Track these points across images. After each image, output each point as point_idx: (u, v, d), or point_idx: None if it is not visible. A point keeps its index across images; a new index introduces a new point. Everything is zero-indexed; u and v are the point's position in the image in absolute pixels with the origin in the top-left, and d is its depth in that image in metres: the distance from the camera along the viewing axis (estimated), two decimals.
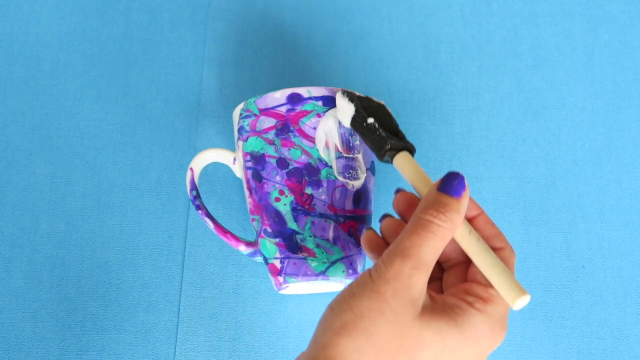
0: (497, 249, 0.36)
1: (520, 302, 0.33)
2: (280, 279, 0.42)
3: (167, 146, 0.51)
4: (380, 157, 0.39)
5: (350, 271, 0.42)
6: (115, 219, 0.50)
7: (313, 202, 0.42)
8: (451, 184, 0.35)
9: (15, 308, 0.48)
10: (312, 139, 0.43)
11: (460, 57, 0.54)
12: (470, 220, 0.37)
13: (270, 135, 0.43)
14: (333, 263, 0.42)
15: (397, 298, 0.32)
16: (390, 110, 0.41)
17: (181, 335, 0.47)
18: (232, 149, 0.51)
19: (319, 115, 0.43)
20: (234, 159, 0.45)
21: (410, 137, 0.52)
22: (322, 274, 0.42)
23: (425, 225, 0.34)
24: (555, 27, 0.55)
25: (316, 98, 0.43)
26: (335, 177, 0.42)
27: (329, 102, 0.43)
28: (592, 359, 0.47)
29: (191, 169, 0.45)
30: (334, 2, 0.55)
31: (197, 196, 0.44)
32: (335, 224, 0.42)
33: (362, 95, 0.42)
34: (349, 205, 0.43)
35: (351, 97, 0.41)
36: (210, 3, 0.55)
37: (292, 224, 0.42)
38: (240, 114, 0.44)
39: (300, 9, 0.55)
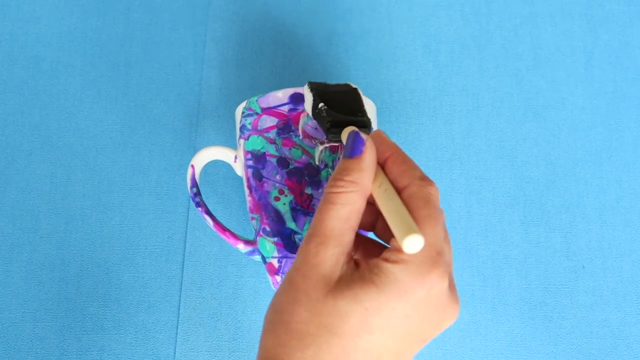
0: (403, 188, 0.33)
1: (411, 243, 0.29)
2: (278, 278, 0.42)
3: (167, 146, 0.51)
4: (327, 137, 0.38)
5: None
6: (115, 219, 0.50)
7: (312, 202, 0.42)
8: (349, 146, 0.33)
9: (15, 308, 0.48)
10: (313, 139, 0.43)
11: (460, 57, 0.54)
12: (383, 164, 0.34)
13: (272, 134, 0.43)
14: None
15: (307, 280, 0.31)
16: (361, 94, 0.40)
17: (181, 335, 0.47)
18: (233, 148, 0.51)
19: None
20: (235, 157, 0.45)
21: (410, 137, 0.52)
22: None
23: (325, 197, 0.32)
24: (555, 27, 0.55)
25: None
26: None
27: None
28: (592, 359, 0.47)
29: (192, 166, 0.45)
30: (334, 2, 0.55)
31: (198, 193, 0.44)
32: None
33: (339, 84, 0.41)
34: None
35: (312, 86, 0.40)
36: (210, 3, 0.55)
37: (290, 224, 0.42)
38: (243, 112, 0.44)
39: (300, 9, 0.55)
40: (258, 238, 0.43)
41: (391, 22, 0.55)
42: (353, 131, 0.33)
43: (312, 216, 0.42)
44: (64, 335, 0.47)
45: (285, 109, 0.43)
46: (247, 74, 0.53)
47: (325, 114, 0.38)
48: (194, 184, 0.45)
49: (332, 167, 0.43)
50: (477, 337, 0.47)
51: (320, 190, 0.42)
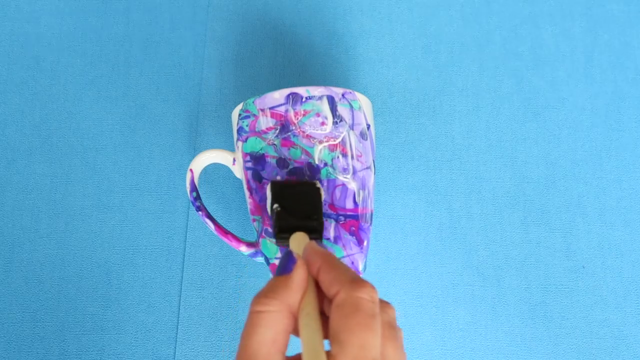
0: (333, 296, 0.31)
1: None
2: None
3: (167, 146, 0.52)
4: (275, 240, 0.38)
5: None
6: (115, 219, 0.50)
7: None
8: (282, 264, 0.32)
9: (15, 308, 0.48)
10: (311, 139, 0.43)
11: (460, 57, 0.54)
12: (316, 277, 0.33)
13: (270, 135, 0.43)
14: None
15: None
16: (322, 192, 0.40)
17: (181, 335, 0.47)
18: (233, 149, 0.51)
19: (318, 115, 0.43)
20: (234, 160, 0.45)
21: (410, 137, 0.52)
22: None
23: (249, 318, 0.30)
24: (555, 27, 0.55)
25: (315, 97, 0.43)
26: (335, 177, 0.42)
27: (328, 101, 0.43)
28: (592, 359, 0.47)
29: (191, 170, 0.45)
30: (334, 1, 0.55)
31: (198, 197, 0.44)
32: (336, 223, 0.42)
33: (305, 181, 0.41)
34: (349, 204, 0.43)
35: (274, 184, 0.40)
36: (210, 3, 0.55)
37: None
38: (239, 115, 0.44)
39: (300, 9, 0.55)
40: (260, 240, 0.43)
41: (391, 22, 0.55)
42: (286, 250, 0.33)
43: None
44: (64, 335, 0.47)
45: (282, 109, 0.43)
46: (247, 73, 0.53)
47: (276, 217, 0.38)
48: (194, 188, 0.45)
49: (332, 166, 0.43)
50: (477, 337, 0.47)
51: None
